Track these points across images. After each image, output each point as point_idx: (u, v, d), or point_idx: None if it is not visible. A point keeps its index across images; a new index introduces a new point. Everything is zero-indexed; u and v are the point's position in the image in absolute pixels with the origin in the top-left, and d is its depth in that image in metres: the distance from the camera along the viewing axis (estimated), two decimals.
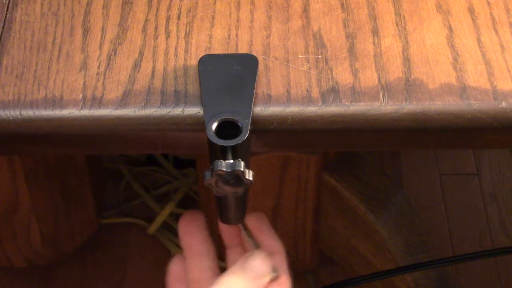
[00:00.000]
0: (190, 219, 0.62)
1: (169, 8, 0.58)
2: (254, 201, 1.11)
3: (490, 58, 0.55)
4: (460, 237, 1.39)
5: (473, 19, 0.57)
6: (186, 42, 0.56)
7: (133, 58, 0.55)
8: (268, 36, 0.57)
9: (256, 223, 0.62)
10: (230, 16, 0.58)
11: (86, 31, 0.57)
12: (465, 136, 0.54)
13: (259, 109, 0.53)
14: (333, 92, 0.53)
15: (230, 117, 0.51)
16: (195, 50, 0.56)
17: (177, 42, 0.56)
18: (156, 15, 0.58)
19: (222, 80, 0.53)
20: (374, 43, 0.56)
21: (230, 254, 0.64)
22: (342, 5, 0.58)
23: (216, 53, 0.55)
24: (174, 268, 0.63)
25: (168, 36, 0.56)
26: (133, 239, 1.40)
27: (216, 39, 0.56)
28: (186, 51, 0.56)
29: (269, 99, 0.53)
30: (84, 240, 1.35)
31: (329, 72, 0.54)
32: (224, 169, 0.50)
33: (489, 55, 0.55)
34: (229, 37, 0.56)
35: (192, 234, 0.62)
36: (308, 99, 0.53)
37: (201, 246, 0.62)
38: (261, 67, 0.55)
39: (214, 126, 0.50)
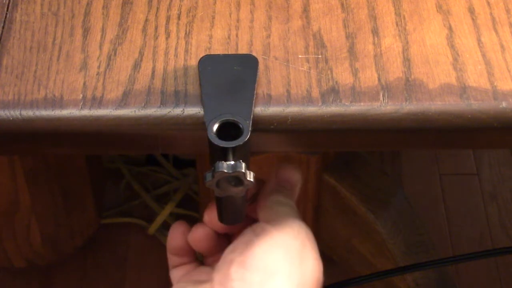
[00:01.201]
0: (198, 232, 0.63)
1: (169, 8, 0.58)
2: None
3: (490, 58, 0.55)
4: (460, 237, 1.39)
5: (473, 19, 0.57)
6: (186, 42, 0.56)
7: (133, 58, 0.55)
8: (268, 36, 0.57)
9: None
10: (230, 16, 0.58)
11: (86, 31, 0.57)
12: (465, 136, 0.54)
13: (259, 109, 0.52)
14: (333, 92, 0.53)
15: (231, 118, 0.51)
16: (195, 50, 0.56)
17: (177, 42, 0.56)
18: (156, 15, 0.58)
19: (222, 81, 0.53)
20: (374, 43, 0.56)
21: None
22: (342, 5, 0.58)
23: (216, 53, 0.55)
24: (177, 239, 0.66)
25: (168, 36, 0.56)
26: (133, 239, 1.40)
27: (216, 39, 0.56)
28: (186, 51, 0.56)
29: (269, 99, 0.53)
30: (84, 240, 1.35)
31: (329, 72, 0.54)
32: (225, 171, 0.50)
33: (489, 55, 0.55)
34: (229, 37, 0.56)
35: (207, 241, 0.63)
36: (308, 99, 0.53)
37: (220, 243, 0.63)
38: (261, 67, 0.55)
39: (215, 127, 0.50)
